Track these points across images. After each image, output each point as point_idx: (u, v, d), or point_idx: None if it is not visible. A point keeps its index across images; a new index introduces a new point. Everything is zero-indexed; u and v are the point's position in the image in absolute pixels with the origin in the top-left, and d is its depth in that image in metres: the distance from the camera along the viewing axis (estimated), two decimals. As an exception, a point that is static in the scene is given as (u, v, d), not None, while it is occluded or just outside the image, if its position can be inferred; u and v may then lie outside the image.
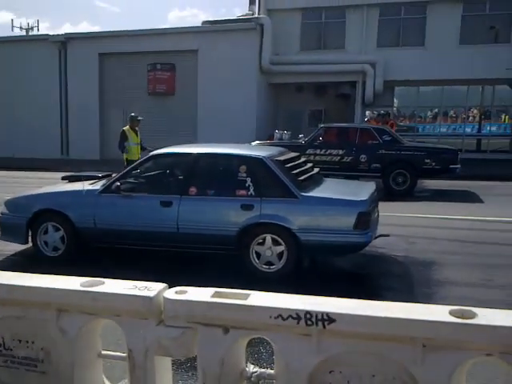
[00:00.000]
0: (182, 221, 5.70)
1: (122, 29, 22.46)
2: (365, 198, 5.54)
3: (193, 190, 5.79)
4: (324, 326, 2.05)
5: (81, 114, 20.92)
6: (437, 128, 21.74)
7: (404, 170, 11.71)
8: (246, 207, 5.53)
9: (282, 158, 6.04)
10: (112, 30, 21.47)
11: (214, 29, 19.91)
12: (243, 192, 5.61)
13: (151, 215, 5.85)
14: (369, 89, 19.67)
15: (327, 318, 2.04)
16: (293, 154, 6.62)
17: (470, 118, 21.97)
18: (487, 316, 1.94)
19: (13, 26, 41.05)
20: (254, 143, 12.38)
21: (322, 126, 13.15)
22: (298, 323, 2.07)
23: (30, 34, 37.53)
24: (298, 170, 6.03)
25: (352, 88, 20.45)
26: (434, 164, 11.60)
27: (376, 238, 5.85)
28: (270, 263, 5.53)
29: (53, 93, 21.28)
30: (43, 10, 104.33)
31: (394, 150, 11.91)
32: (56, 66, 21.22)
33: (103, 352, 2.48)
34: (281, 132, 14.94)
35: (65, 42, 21.06)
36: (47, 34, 22.21)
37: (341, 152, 12.18)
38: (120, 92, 20.69)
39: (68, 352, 2.31)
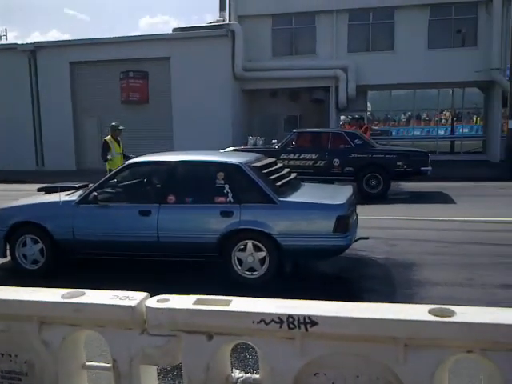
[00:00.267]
0: (162, 229, 5.68)
1: (93, 36, 22.30)
2: (343, 202, 5.61)
3: (171, 198, 5.78)
4: (306, 329, 2.07)
5: (55, 125, 20.65)
6: (411, 131, 22.12)
7: (376, 173, 11.89)
8: (226, 214, 5.54)
9: (258, 163, 6.08)
10: (83, 37, 21.26)
11: (186, 36, 19.91)
12: (222, 199, 5.63)
13: (130, 225, 5.82)
14: (342, 93, 19.90)
15: (309, 321, 2.06)
16: (269, 160, 6.67)
17: (443, 120, 22.43)
18: (466, 314, 1.99)
19: (-21, 36, 40.09)
20: (228, 149, 12.41)
21: (295, 131, 13.27)
22: (280, 327, 2.09)
23: (-2, 43, 36.88)
24: (275, 176, 6.08)
25: (326, 93, 20.68)
26: (405, 166, 11.83)
27: (356, 240, 5.93)
28: (252, 269, 5.54)
29: (24, 103, 20.95)
30: (11, 18, 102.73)
31: (366, 153, 12.09)
32: (26, 76, 20.91)
33: (87, 363, 2.45)
34: (254, 138, 15.01)
35: (34, 51, 20.78)
36: (16, 43, 21.84)
37: (314, 156, 12.32)
38: (93, 101, 20.50)
39: (52, 364, 2.29)
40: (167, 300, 2.27)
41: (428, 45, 19.91)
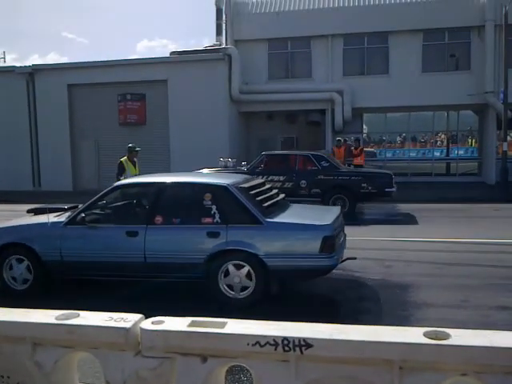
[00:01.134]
0: (149, 250, 5.67)
1: (92, 59, 22.47)
2: (329, 222, 5.61)
3: (158, 219, 5.79)
4: (301, 352, 2.06)
5: (52, 146, 20.65)
6: (406, 153, 22.24)
7: (342, 195, 12.10)
8: (213, 234, 5.55)
9: (246, 185, 6.11)
10: (81, 60, 21.45)
11: (183, 59, 20.09)
12: (209, 220, 5.64)
13: (117, 246, 5.81)
14: (338, 116, 20.07)
15: (304, 344, 2.06)
16: (258, 181, 6.72)
17: (438, 142, 22.58)
18: (461, 336, 1.99)
19: (-22, 58, 40.39)
20: (202, 171, 12.46)
21: (263, 153, 13.50)
22: (275, 349, 2.09)
23: (-3, 65, 37.14)
24: (262, 197, 6.09)
25: (322, 115, 20.84)
26: (370, 188, 12.10)
27: (343, 261, 5.92)
28: (239, 289, 5.52)
29: (22, 125, 20.97)
30: (10, 41, 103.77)
31: (332, 175, 12.36)
32: (24, 98, 20.99)
33: (80, 386, 2.44)
34: (225, 159, 15.09)
35: (32, 74, 20.89)
36: (14, 66, 21.97)
37: (282, 178, 12.52)
38: (91, 123, 20.57)
39: (44, 387, 2.27)
40: (162, 322, 2.26)
41: (422, 68, 20.17)
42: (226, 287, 5.54)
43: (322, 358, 2.07)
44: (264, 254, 5.42)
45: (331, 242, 5.43)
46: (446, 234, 9.52)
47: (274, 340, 2.08)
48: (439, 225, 10.95)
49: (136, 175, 9.81)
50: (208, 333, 2.17)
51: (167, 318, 2.32)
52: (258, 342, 2.10)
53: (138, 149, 10.19)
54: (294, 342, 2.06)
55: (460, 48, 20.19)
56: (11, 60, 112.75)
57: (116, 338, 2.20)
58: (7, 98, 20.76)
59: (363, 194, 12.13)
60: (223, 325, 2.21)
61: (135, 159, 10.13)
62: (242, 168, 13.33)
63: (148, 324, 2.25)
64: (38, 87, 20.91)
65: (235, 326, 2.21)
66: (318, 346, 2.05)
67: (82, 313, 2.35)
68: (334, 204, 11.81)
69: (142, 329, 2.22)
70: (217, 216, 5.62)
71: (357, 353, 2.03)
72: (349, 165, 20.57)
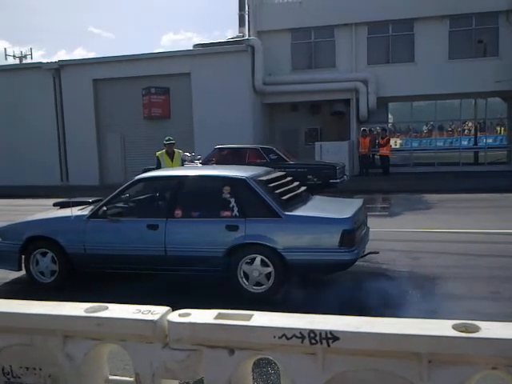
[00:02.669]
0: (169, 243, 5.72)
1: (117, 54, 22.65)
2: (349, 216, 5.54)
3: (178, 212, 5.82)
4: (328, 345, 2.05)
5: (78, 140, 20.97)
6: (433, 142, 21.85)
7: None
8: (231, 228, 5.56)
9: (265, 177, 6.09)
10: (107, 55, 21.63)
11: (206, 52, 20.10)
12: (228, 213, 5.64)
13: (138, 239, 5.87)
14: (362, 106, 19.84)
15: (331, 336, 2.05)
16: (278, 174, 6.67)
17: (466, 130, 22.12)
18: (491, 329, 1.95)
19: (6, 55, 41.24)
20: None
21: (216, 147, 13.73)
22: (302, 342, 2.08)
23: (24, 62, 37.77)
24: (282, 189, 6.06)
25: (346, 105, 20.63)
26: (315, 180, 12.36)
27: (365, 255, 5.85)
28: (258, 283, 5.52)
29: (49, 120, 21.35)
30: (39, 37, 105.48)
31: (279, 167, 12.35)
32: (51, 94, 21.33)
33: (110, 377, 2.48)
34: (184, 153, 15.12)
35: (58, 70, 21.19)
36: (40, 62, 22.32)
37: None
38: (116, 117, 20.80)
39: (75, 378, 2.31)
40: (189, 314, 2.28)
41: (449, 55, 19.75)
42: (245, 280, 5.55)
43: (349, 350, 2.06)
44: (282, 247, 5.41)
45: (351, 236, 5.38)
46: (474, 224, 9.35)
47: (300, 333, 2.08)
48: (467, 215, 10.75)
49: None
50: (234, 325, 2.17)
51: (194, 310, 2.33)
52: (285, 334, 2.09)
53: (166, 142, 10.12)
54: (320, 334, 2.05)
55: (488, 33, 19.67)
56: (39, 56, 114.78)
57: (144, 331, 2.22)
58: (35, 93, 21.12)
59: (309, 186, 12.26)
60: (249, 317, 2.22)
61: (176, 150, 10.10)
62: (197, 161, 13.50)
63: (175, 316, 2.27)
64: (64, 83, 21.21)
65: (261, 319, 2.21)
66: (344, 339, 2.03)
67: (111, 305, 2.39)
68: None
69: (169, 321, 2.24)
70: (235, 209, 5.62)
71: (384, 346, 2.01)
72: (373, 155, 20.48)
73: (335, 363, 2.08)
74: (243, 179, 5.82)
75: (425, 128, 22.73)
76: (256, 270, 5.49)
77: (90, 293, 5.65)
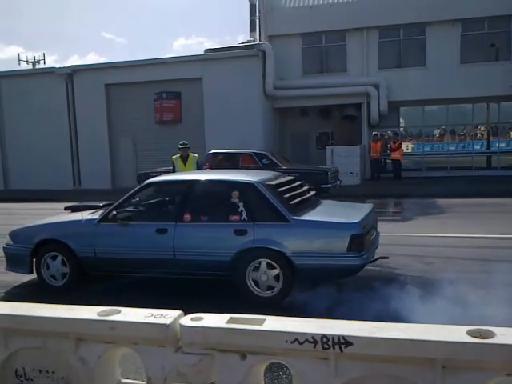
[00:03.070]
0: (178, 247, 5.74)
1: (130, 59, 22.84)
2: (357, 220, 5.52)
3: (187, 216, 5.84)
4: (341, 350, 2.04)
5: (91, 145, 21.12)
6: (445, 146, 21.68)
7: None
8: (240, 232, 5.56)
9: (274, 182, 6.10)
10: (119, 60, 21.80)
11: (217, 56, 20.18)
12: (236, 217, 5.65)
13: (148, 243, 5.90)
14: (374, 110, 19.79)
15: (344, 342, 2.04)
16: (287, 178, 6.68)
17: (478, 135, 21.93)
18: (505, 335, 1.93)
19: (19, 60, 41.47)
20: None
21: (209, 152, 13.78)
22: (314, 347, 2.07)
23: (37, 67, 38.12)
24: (291, 194, 6.05)
25: (357, 110, 20.58)
26: (306, 185, 12.12)
27: (374, 260, 5.81)
28: (266, 288, 5.51)
29: (62, 124, 21.54)
30: (51, 42, 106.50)
31: None
32: (64, 98, 21.52)
33: (123, 380, 2.49)
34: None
35: (71, 74, 21.38)
36: (53, 67, 22.56)
37: None
38: (128, 121, 20.93)
39: (88, 381, 2.32)
40: (201, 318, 2.28)
41: (460, 59, 19.65)
42: (253, 285, 5.55)
43: (362, 356, 2.04)
44: (291, 252, 5.40)
45: (360, 241, 5.35)
46: (488, 229, 9.26)
47: (312, 337, 2.07)
48: (480, 220, 10.66)
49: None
50: (247, 330, 2.17)
51: (206, 314, 2.33)
52: (297, 339, 2.08)
53: (180, 146, 10.11)
54: (333, 339, 2.04)
55: (500, 37, 19.55)
56: (52, 61, 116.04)
57: (156, 335, 2.23)
58: (48, 98, 21.31)
59: None
60: (261, 322, 2.21)
61: (191, 154, 10.10)
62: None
63: (187, 320, 2.27)
64: (77, 87, 21.39)
65: (273, 323, 2.21)
66: (358, 345, 2.02)
67: (123, 309, 2.39)
68: None
69: (181, 325, 2.24)
70: (244, 213, 5.63)
71: (398, 351, 1.99)
72: (385, 159, 20.38)
73: (348, 368, 2.07)
74: (252, 184, 5.82)
75: (436, 132, 22.58)
76: (264, 274, 5.48)
77: (101, 296, 5.67)
